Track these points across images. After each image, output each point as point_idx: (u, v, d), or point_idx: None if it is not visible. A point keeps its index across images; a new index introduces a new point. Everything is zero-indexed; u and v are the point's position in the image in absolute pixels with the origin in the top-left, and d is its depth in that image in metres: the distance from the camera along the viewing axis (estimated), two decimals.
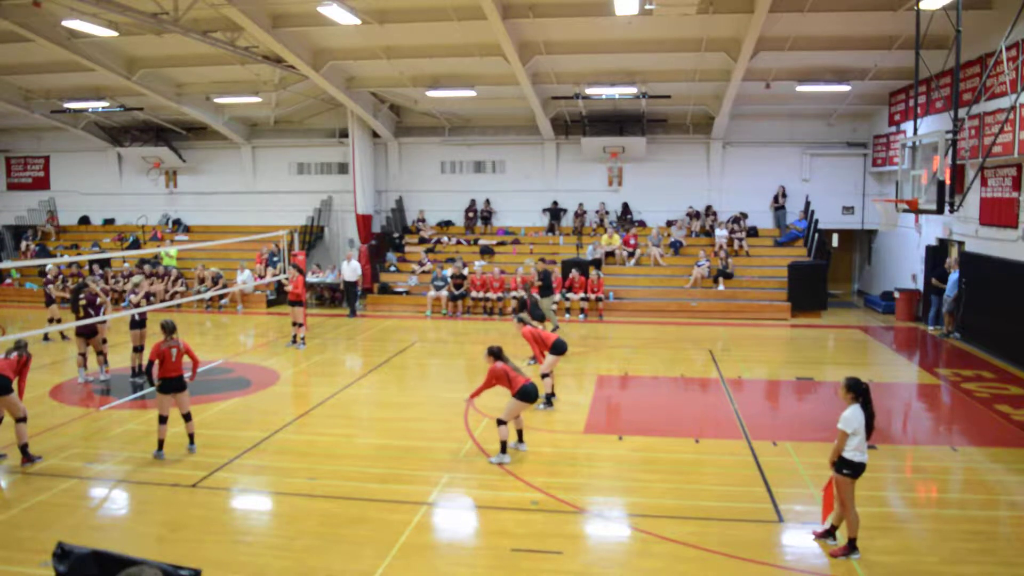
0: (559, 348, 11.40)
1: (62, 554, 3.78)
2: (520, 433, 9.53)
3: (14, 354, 9.19)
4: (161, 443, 9.27)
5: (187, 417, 9.43)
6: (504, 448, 9.13)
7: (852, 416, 6.61)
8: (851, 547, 6.69)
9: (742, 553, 6.79)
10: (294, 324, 16.21)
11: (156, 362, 9.15)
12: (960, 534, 7.21)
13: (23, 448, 9.06)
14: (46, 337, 16.49)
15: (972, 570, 6.52)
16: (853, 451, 6.61)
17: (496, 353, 9.24)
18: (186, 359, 9.42)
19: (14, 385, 9.08)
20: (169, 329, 9.32)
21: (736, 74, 17.95)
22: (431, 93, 20.82)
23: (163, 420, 9.27)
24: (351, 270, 20.40)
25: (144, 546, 6.90)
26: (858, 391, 6.69)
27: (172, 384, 9.25)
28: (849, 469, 6.63)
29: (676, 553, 6.84)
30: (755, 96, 20.73)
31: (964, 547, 6.93)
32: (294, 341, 16.13)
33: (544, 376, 11.49)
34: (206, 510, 7.82)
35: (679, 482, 8.54)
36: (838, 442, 6.65)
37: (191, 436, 9.47)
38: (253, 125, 25.50)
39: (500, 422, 9.12)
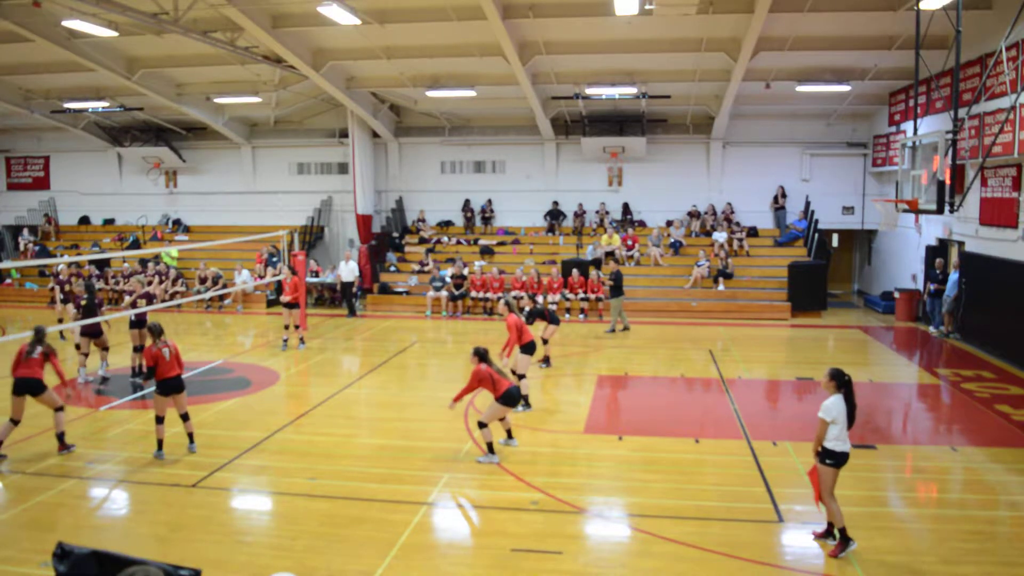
0: (530, 348, 11.39)
1: (62, 554, 3.78)
2: (509, 431, 9.62)
3: (38, 350, 9.32)
4: (160, 443, 9.26)
5: (184, 417, 9.39)
6: (491, 448, 9.16)
7: (832, 405, 6.68)
8: (844, 539, 6.73)
9: (742, 553, 6.79)
10: (286, 327, 16.03)
11: (155, 366, 9.11)
12: (960, 534, 7.21)
13: (60, 436, 9.39)
14: (62, 336, 16.46)
15: (972, 570, 6.52)
16: (834, 441, 6.67)
17: (482, 355, 9.19)
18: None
19: (46, 381, 9.41)
20: (156, 332, 9.28)
21: (736, 74, 17.95)
22: (431, 93, 20.83)
23: (160, 420, 9.26)
24: (348, 270, 20.46)
25: (144, 546, 6.91)
26: (840, 381, 6.74)
27: (169, 385, 9.20)
28: (832, 459, 6.70)
29: (676, 553, 6.85)
30: (755, 96, 20.73)
31: (964, 547, 6.93)
32: (286, 344, 15.98)
33: (521, 378, 11.32)
34: (206, 510, 7.82)
35: (679, 482, 8.54)
36: (819, 430, 6.73)
37: (190, 436, 9.44)
38: (253, 125, 25.51)
39: (481, 424, 9.16)
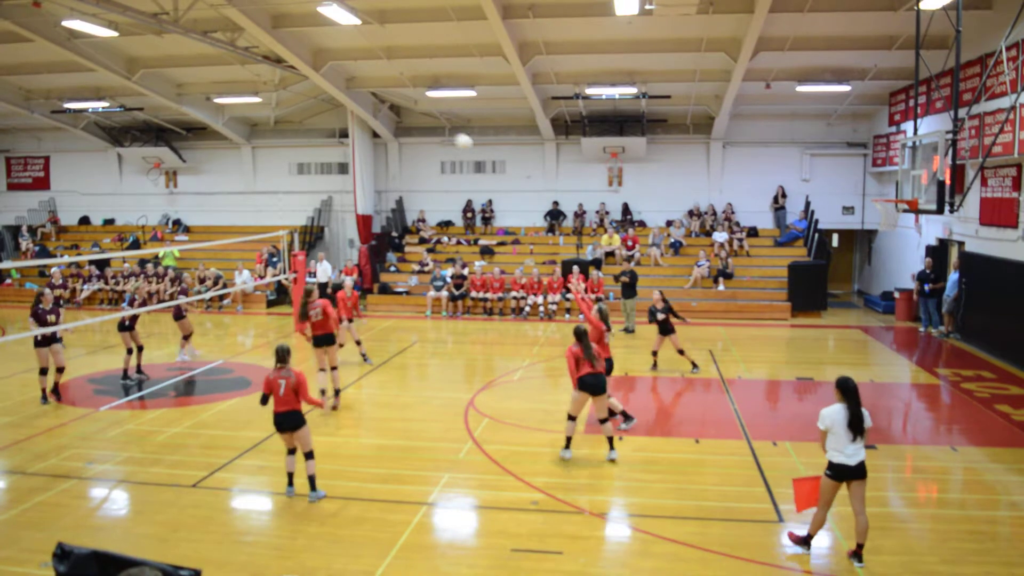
0: (608, 366, 10.12)
1: (62, 554, 3.78)
2: (610, 440, 9.21)
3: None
4: (291, 477, 8.16)
5: (308, 455, 8.07)
6: (568, 443, 9.21)
7: (827, 413, 6.61)
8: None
9: (742, 553, 6.79)
10: (357, 343, 14.44)
11: (269, 395, 8.02)
12: (960, 534, 7.21)
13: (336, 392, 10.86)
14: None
15: (972, 570, 6.52)
16: (832, 451, 6.60)
17: (578, 335, 9.01)
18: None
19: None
20: (279, 355, 8.07)
21: (736, 74, 17.95)
22: (431, 93, 20.83)
23: (291, 452, 8.15)
24: (322, 271, 20.56)
25: (144, 546, 6.91)
26: (844, 390, 6.62)
27: (282, 421, 7.98)
28: (830, 470, 6.63)
29: (676, 553, 6.85)
30: (755, 96, 20.73)
31: (964, 547, 6.93)
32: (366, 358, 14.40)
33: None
34: (206, 510, 7.82)
35: (679, 482, 8.54)
36: (819, 439, 6.73)
37: (311, 479, 8.05)
38: (253, 125, 25.51)
39: (570, 417, 9.17)
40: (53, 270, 17.77)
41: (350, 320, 14.19)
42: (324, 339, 11.40)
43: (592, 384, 8.90)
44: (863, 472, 6.57)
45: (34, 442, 9.78)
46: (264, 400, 8.06)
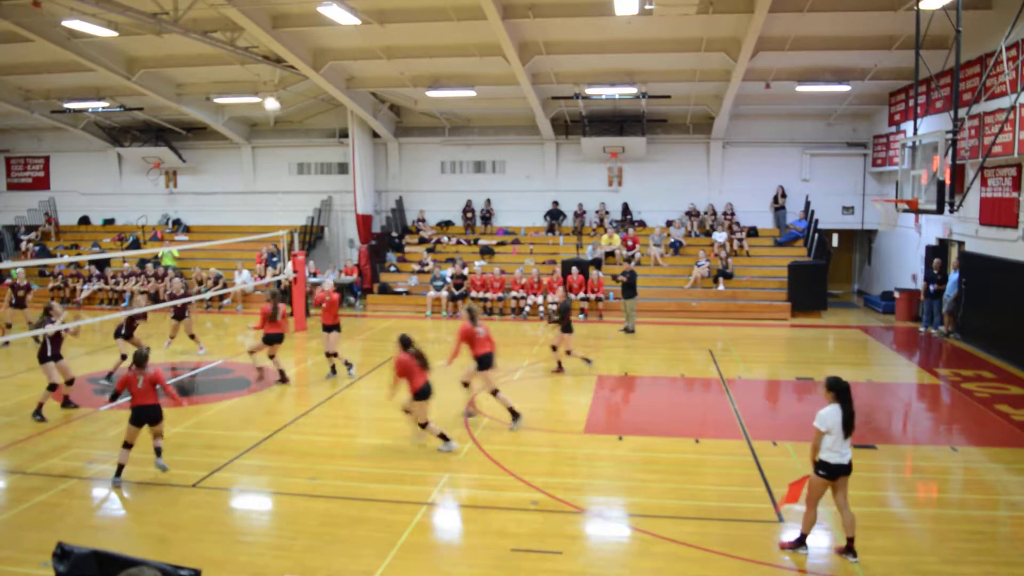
0: (486, 361, 10.64)
1: (62, 554, 3.79)
2: (442, 434, 9.52)
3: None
4: (120, 468, 8.47)
5: (157, 452, 8.52)
6: (445, 437, 9.46)
7: (826, 415, 6.60)
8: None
9: (742, 553, 6.79)
10: (327, 355, 13.52)
11: (122, 392, 8.56)
12: (960, 534, 7.22)
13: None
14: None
15: (972, 570, 6.53)
16: (827, 451, 6.59)
17: (404, 343, 9.42)
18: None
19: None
20: (139, 360, 8.54)
21: (736, 74, 17.96)
22: (431, 93, 20.83)
23: (126, 446, 8.46)
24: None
25: (144, 546, 6.91)
26: (837, 390, 6.65)
27: (141, 414, 8.47)
28: (824, 470, 6.62)
29: (676, 553, 6.85)
30: (755, 96, 20.73)
31: (964, 547, 6.94)
32: (333, 372, 13.50)
33: (464, 384, 11.12)
34: (206, 510, 7.82)
35: (679, 482, 8.54)
36: (814, 439, 6.67)
37: (158, 450, 8.55)
38: (253, 125, 25.51)
39: (421, 425, 9.40)
40: (19, 270, 17.10)
41: (330, 328, 13.35)
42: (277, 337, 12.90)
43: (430, 391, 9.36)
44: (851, 469, 6.68)
45: (34, 442, 9.77)
46: (115, 397, 8.88)
